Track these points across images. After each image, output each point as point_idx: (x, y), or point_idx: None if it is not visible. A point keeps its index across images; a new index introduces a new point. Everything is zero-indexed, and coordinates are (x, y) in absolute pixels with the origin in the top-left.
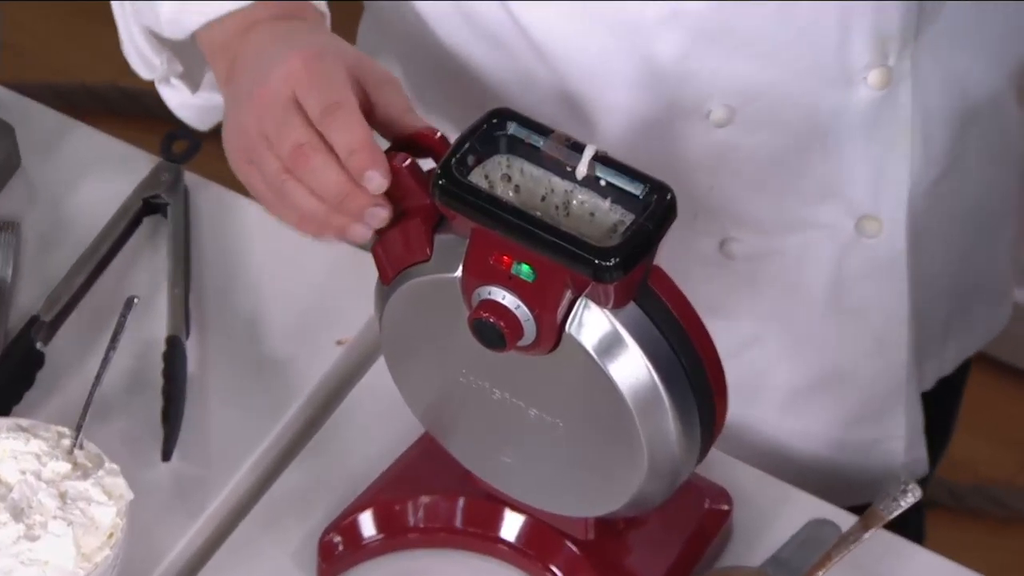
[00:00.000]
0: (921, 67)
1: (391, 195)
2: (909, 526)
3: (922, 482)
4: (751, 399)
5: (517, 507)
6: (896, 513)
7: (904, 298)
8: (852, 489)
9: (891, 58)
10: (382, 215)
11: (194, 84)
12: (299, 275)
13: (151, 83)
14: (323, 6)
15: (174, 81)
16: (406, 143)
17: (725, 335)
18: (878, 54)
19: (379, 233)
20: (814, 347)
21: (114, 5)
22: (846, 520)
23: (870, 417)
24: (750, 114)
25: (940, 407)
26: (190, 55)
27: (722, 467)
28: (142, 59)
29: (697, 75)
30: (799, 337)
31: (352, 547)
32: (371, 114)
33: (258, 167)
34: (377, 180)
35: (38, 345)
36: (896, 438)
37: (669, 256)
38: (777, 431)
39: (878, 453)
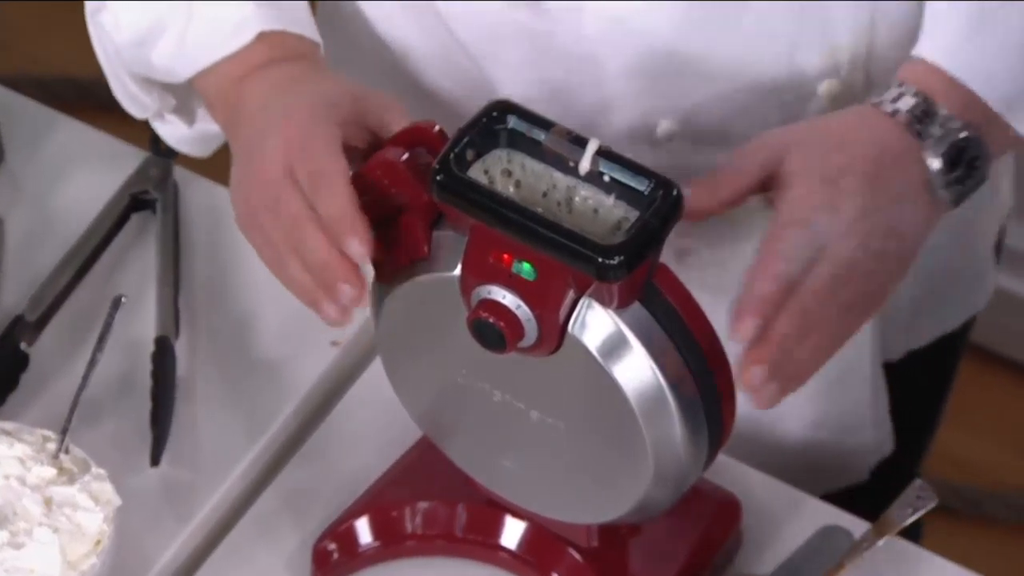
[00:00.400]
0: (876, 79)
1: (388, 192)
2: (905, 530)
3: (890, 465)
4: None
5: (518, 513)
6: (911, 520)
7: None
8: (826, 473)
9: (843, 69)
10: (348, 292)
11: (189, 117)
12: None
13: None
14: (314, 34)
15: (168, 116)
16: (404, 137)
17: None
18: (829, 65)
19: (375, 230)
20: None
21: (96, 46)
22: (858, 527)
23: (836, 394)
24: (698, 128)
25: (925, 396)
26: (182, 89)
27: (730, 472)
28: (132, 99)
29: (642, 90)
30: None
31: (348, 555)
32: (365, 138)
33: (262, 236)
34: (355, 248)
35: (22, 346)
36: (861, 414)
37: None
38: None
39: (846, 429)
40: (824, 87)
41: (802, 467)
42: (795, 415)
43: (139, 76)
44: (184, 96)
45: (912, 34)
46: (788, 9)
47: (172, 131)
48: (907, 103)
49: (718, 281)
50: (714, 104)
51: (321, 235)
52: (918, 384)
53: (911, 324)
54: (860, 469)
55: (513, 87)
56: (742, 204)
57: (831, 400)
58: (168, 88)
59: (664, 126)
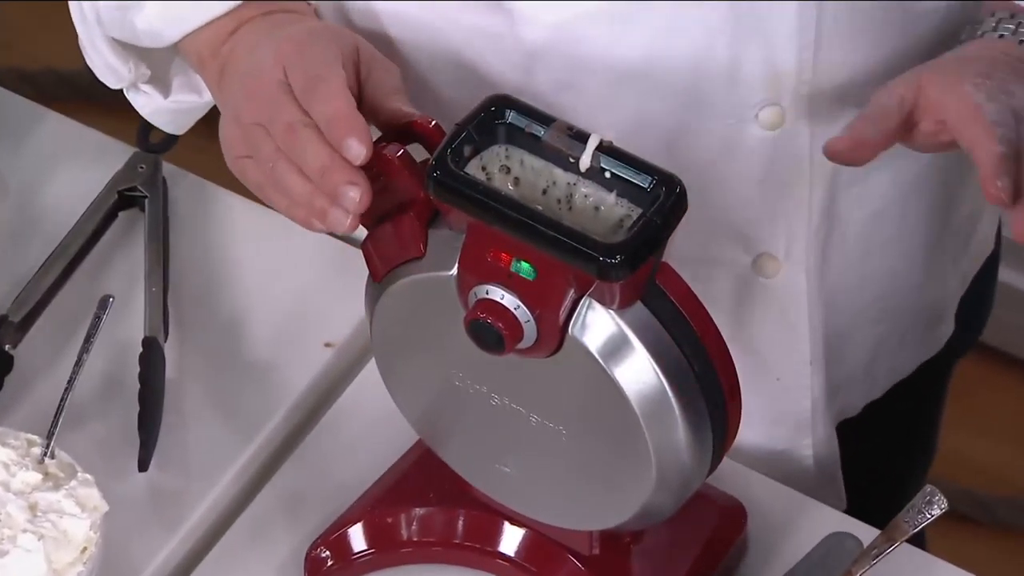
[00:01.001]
0: (820, 108)
1: (383, 189)
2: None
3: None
4: None
5: (517, 520)
6: (922, 526)
7: (804, 343)
8: None
9: (785, 96)
10: (352, 196)
11: (165, 88)
12: (285, 273)
13: None
14: None
15: (143, 87)
16: (399, 133)
17: None
18: (771, 91)
19: (369, 227)
20: None
21: (73, 9)
22: (867, 533)
23: (778, 456)
24: (637, 144)
25: (923, 406)
26: (158, 58)
27: (735, 477)
28: (108, 68)
29: (578, 103)
30: None
31: (341, 563)
32: (360, 98)
33: (254, 154)
34: (355, 148)
35: (7, 348)
36: (809, 476)
37: None
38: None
39: (791, 485)
40: (765, 114)
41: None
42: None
43: (116, 43)
44: (160, 66)
45: (853, 79)
46: (728, 17)
47: (147, 102)
48: (1007, 28)
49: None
50: (653, 119)
51: (319, 138)
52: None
53: (867, 372)
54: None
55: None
56: (887, 148)
57: (773, 456)
58: (143, 57)
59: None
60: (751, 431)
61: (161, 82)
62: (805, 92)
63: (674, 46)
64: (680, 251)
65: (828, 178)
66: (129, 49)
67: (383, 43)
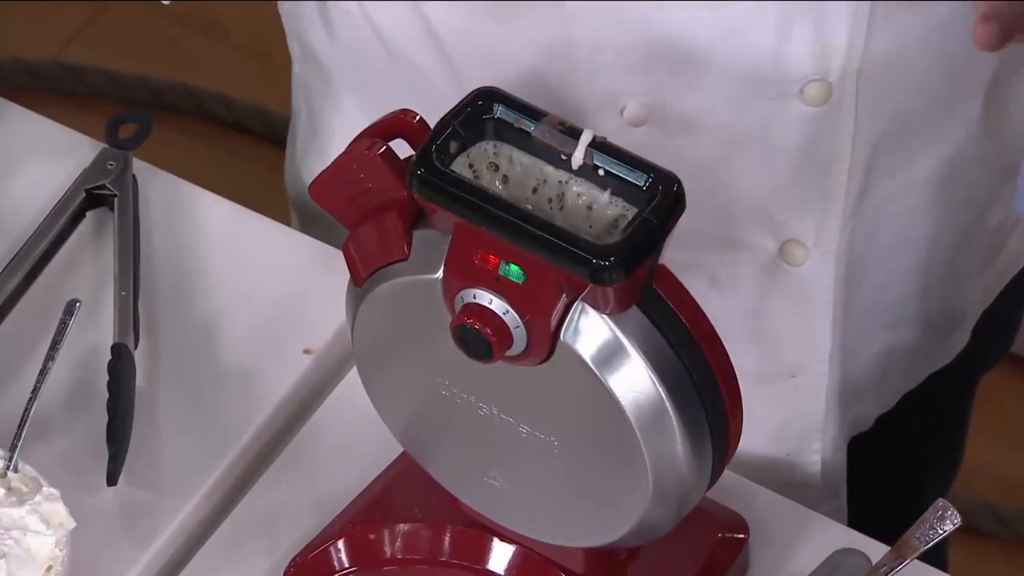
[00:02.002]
0: (868, 85)
1: (364, 188)
2: (931, 554)
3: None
4: None
5: (507, 536)
6: (934, 542)
7: (825, 338)
8: None
9: (833, 72)
10: None
11: None
12: (262, 276)
13: (97, 62)
14: None
15: None
16: (381, 128)
17: None
18: (819, 66)
19: (350, 228)
20: None
21: None
22: (876, 550)
23: (781, 464)
24: (669, 115)
25: (942, 422)
26: None
27: (737, 491)
28: None
29: (611, 66)
30: None
31: None
32: None
33: None
34: None
35: None
36: (813, 486)
37: None
38: None
39: (792, 496)
40: (811, 89)
41: None
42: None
43: None
44: None
45: (906, 59)
46: None
47: None
48: None
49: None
50: (687, 90)
51: None
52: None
53: (881, 380)
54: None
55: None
56: None
57: (779, 459)
58: None
59: (632, 109)
60: (754, 435)
61: None
62: (854, 68)
63: (720, 17)
64: (703, 231)
65: (866, 164)
66: None
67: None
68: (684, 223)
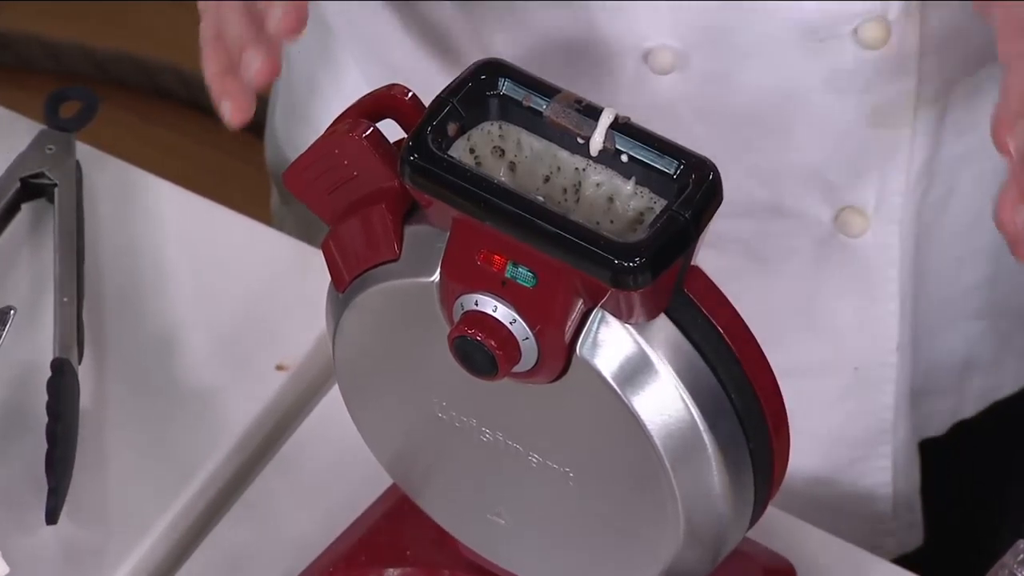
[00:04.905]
0: (931, 25)
1: (347, 176)
2: None
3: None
4: None
5: None
6: None
7: (892, 322)
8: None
9: (892, 8)
10: (254, 64)
11: None
12: (228, 279)
13: (31, 29)
14: None
15: None
16: (368, 106)
17: None
18: (876, 4)
19: (332, 223)
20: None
21: None
22: None
23: (845, 463)
24: (701, 61)
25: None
26: None
27: (782, 529)
28: None
29: (633, 5)
30: None
31: None
32: None
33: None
34: (275, 16)
35: None
36: (881, 497)
37: None
38: None
39: (857, 508)
40: (867, 29)
41: None
42: (803, 478)
43: None
44: None
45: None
46: None
47: None
48: None
49: (716, 270)
50: (722, 32)
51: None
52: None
53: (960, 380)
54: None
55: None
56: None
57: (842, 466)
58: None
59: (658, 54)
60: (811, 439)
61: None
62: (916, 3)
63: None
64: (744, 200)
65: (935, 118)
66: None
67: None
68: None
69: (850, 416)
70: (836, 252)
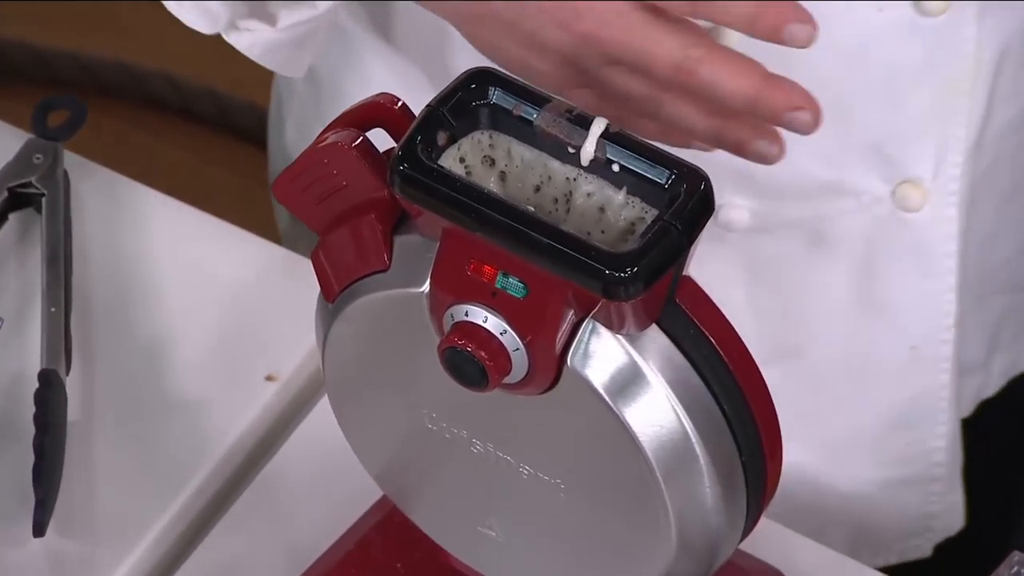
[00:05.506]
0: None
1: (336, 186)
2: None
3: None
4: None
5: None
6: None
7: (951, 298)
8: (879, 541)
9: None
10: (803, 119)
11: (270, 16)
12: (217, 289)
13: (18, 35)
14: None
15: (243, 23)
16: (357, 115)
17: None
18: None
19: (321, 233)
20: (827, 355)
21: None
22: None
23: (902, 446)
24: (762, 42)
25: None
26: None
27: (775, 541)
28: (198, 8)
29: None
30: (808, 340)
31: None
32: None
33: (602, 92)
34: (805, 32)
35: None
36: (935, 478)
37: None
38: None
39: (910, 492)
40: None
41: (849, 535)
42: (855, 464)
43: None
44: None
45: None
46: None
47: (255, 40)
48: None
49: (768, 252)
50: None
51: (730, 59)
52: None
53: (987, 355)
54: (922, 543)
55: None
56: None
57: (898, 449)
58: None
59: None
60: (867, 424)
61: (261, 11)
62: None
63: None
64: (796, 178)
65: (990, 85)
66: None
67: None
68: (772, 169)
69: (906, 396)
70: (893, 229)
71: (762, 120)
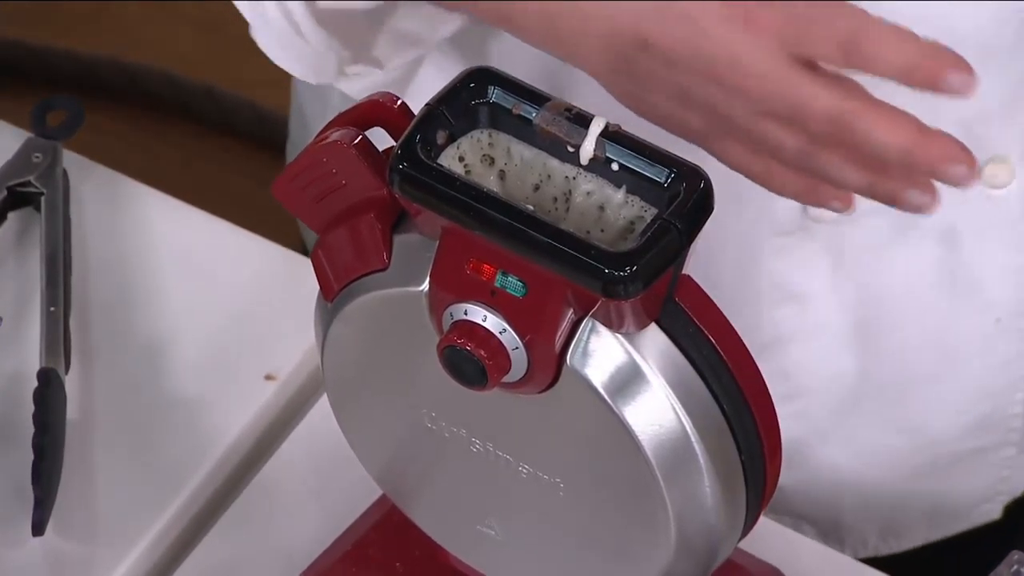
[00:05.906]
0: None
1: (336, 185)
2: None
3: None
4: (807, 398)
5: None
6: None
7: None
8: (957, 510)
9: None
10: (960, 171)
11: (376, 60)
12: (216, 288)
13: (18, 34)
14: None
15: (352, 70)
16: (356, 114)
17: (792, 320)
18: None
19: (320, 232)
20: (912, 333)
21: (250, 6)
22: None
23: (982, 415)
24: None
25: None
26: (349, 29)
27: (774, 540)
28: (309, 58)
29: None
30: (892, 322)
31: None
32: None
33: (749, 145)
34: (963, 80)
35: None
36: (1011, 443)
37: (716, 228)
38: (832, 444)
39: (986, 459)
40: None
41: (927, 509)
42: (937, 437)
43: (318, 20)
44: (354, 36)
45: None
46: None
47: (364, 84)
48: None
49: (852, 241)
50: None
51: (883, 112)
52: None
53: None
54: (992, 507)
55: None
56: None
57: (979, 418)
58: (335, 34)
59: None
60: (951, 396)
61: (366, 57)
62: None
63: None
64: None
65: None
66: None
67: None
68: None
69: (989, 367)
70: (980, 206)
71: (916, 172)
